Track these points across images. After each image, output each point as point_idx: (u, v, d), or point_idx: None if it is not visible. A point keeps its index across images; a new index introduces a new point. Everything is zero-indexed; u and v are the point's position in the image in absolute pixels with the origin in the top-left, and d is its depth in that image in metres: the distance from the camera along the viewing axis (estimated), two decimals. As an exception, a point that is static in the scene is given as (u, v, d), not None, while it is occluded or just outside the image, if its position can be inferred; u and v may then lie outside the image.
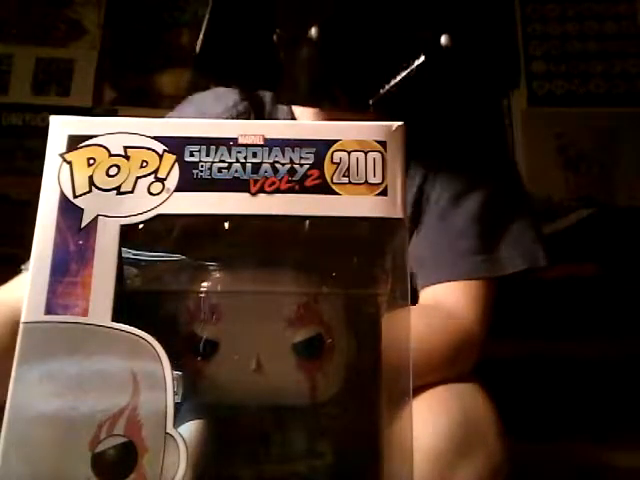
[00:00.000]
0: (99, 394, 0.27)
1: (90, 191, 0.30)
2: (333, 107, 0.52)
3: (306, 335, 0.34)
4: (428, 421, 0.55)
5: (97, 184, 0.30)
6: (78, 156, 0.30)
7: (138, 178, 0.29)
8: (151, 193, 0.29)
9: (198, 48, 0.57)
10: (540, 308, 1.80)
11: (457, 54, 0.46)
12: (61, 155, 0.30)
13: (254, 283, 0.34)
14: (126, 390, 0.27)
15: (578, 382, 1.59)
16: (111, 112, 2.99)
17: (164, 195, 0.29)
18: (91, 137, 0.31)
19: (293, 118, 0.63)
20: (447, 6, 0.46)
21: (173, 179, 0.30)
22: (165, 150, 0.30)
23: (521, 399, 1.30)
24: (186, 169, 0.30)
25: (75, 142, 0.30)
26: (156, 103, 3.02)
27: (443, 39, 0.46)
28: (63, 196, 0.30)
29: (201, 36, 0.55)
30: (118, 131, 0.31)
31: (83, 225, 0.29)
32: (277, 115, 0.67)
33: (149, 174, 0.30)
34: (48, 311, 0.29)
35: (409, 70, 0.46)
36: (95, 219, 0.29)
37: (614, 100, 2.91)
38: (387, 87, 0.47)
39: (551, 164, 2.82)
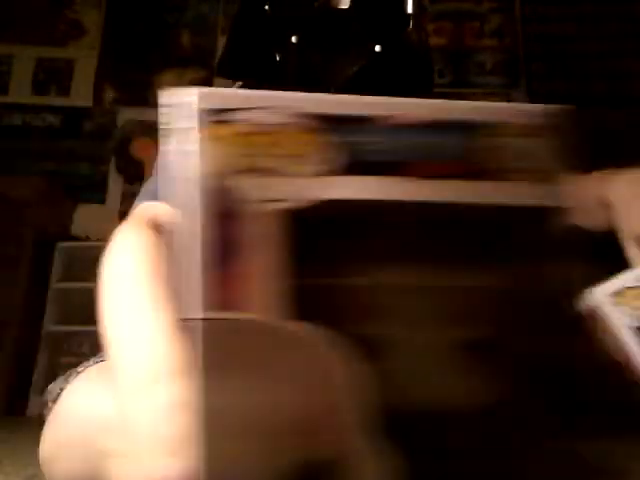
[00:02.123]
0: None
1: (241, 172, 0.25)
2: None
3: (475, 335, 0.30)
4: None
5: (247, 164, 0.25)
6: (219, 133, 0.26)
7: (287, 158, 0.26)
8: (303, 176, 0.26)
9: (220, 56, 0.82)
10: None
11: (387, 59, 0.72)
12: (200, 131, 0.25)
13: (419, 277, 0.29)
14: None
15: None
16: (111, 112, 3.00)
17: (318, 179, 0.26)
18: (230, 111, 0.26)
19: None
20: (383, 27, 0.73)
21: (325, 161, 0.27)
22: (314, 128, 0.27)
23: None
24: (338, 150, 0.27)
25: (214, 117, 0.26)
26: (156, 103, 3.02)
27: (377, 47, 0.71)
28: (204, 177, 0.25)
29: (222, 48, 0.82)
30: (263, 105, 0.27)
31: (234, 210, 0.25)
32: None
33: (298, 155, 0.26)
34: (210, 308, 0.25)
35: (357, 66, 0.71)
36: (248, 203, 0.25)
37: (614, 100, 2.92)
38: (343, 78, 0.71)
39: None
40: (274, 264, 0.26)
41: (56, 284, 2.49)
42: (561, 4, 3.08)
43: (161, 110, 0.27)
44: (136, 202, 0.70)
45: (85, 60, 3.04)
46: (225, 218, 0.24)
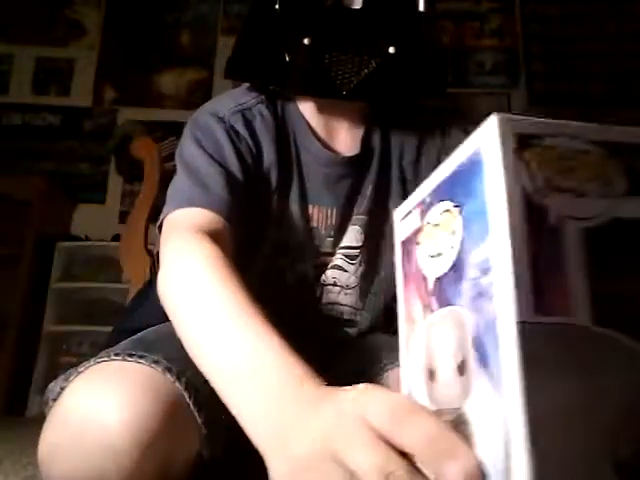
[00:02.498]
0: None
1: (550, 191, 0.30)
2: (328, 96, 0.75)
3: None
4: None
5: (555, 184, 0.30)
6: (533, 156, 0.31)
7: (587, 181, 0.30)
8: (602, 196, 0.30)
9: (229, 57, 0.79)
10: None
11: (401, 60, 0.71)
12: (516, 153, 0.30)
13: None
14: None
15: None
16: (111, 112, 3.00)
17: (614, 199, 0.30)
18: (535, 137, 0.31)
19: (298, 110, 0.81)
20: (399, 27, 0.72)
21: (620, 183, 0.30)
22: (607, 154, 0.30)
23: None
24: (631, 173, 0.30)
25: (523, 141, 0.31)
26: (156, 103, 3.02)
27: (391, 48, 0.70)
28: (527, 196, 0.30)
29: (232, 49, 0.78)
30: (561, 132, 0.31)
31: (549, 225, 0.29)
32: (287, 108, 0.81)
33: (596, 178, 0.30)
34: (537, 311, 0.28)
35: (370, 68, 0.70)
36: (559, 219, 0.30)
37: (614, 100, 2.92)
38: (356, 80, 0.71)
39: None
40: (583, 278, 0.28)
41: (56, 284, 2.49)
42: (561, 4, 3.08)
43: (475, 135, 0.31)
44: (169, 205, 0.67)
45: (85, 60, 3.04)
46: (540, 235, 0.29)
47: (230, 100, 0.77)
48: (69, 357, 2.43)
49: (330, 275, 0.81)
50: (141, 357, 0.58)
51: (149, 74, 3.04)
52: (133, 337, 0.69)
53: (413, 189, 0.93)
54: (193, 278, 0.54)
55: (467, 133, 0.93)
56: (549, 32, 3.07)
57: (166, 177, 1.87)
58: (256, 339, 0.44)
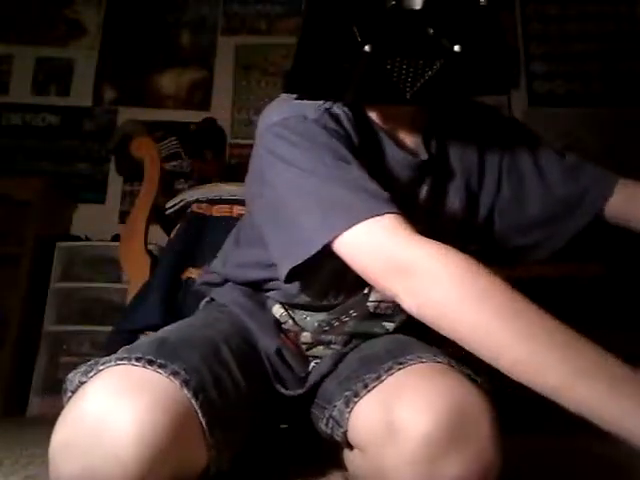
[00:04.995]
0: None
1: None
2: (392, 102, 0.74)
3: None
4: (422, 408, 0.55)
5: None
6: None
7: None
8: None
9: (288, 72, 0.76)
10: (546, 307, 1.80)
11: (466, 58, 0.67)
12: None
13: None
14: None
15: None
16: (111, 112, 3.00)
17: None
18: None
19: (367, 117, 0.80)
20: (461, 23, 0.68)
21: None
22: None
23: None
24: None
25: None
26: (156, 103, 3.02)
27: (456, 47, 0.66)
28: None
29: (292, 62, 0.74)
30: None
31: None
32: (357, 111, 0.79)
33: None
34: None
35: (434, 69, 0.68)
36: None
37: (614, 100, 2.92)
38: (419, 83, 0.68)
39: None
40: None
41: (56, 284, 2.49)
42: (561, 4, 3.08)
43: None
44: (336, 220, 0.63)
45: (85, 60, 3.04)
46: None
47: (305, 102, 0.75)
48: (69, 357, 2.43)
49: None
50: (160, 366, 0.58)
51: (149, 74, 3.03)
52: (157, 335, 0.69)
53: (476, 191, 0.91)
54: (495, 294, 0.55)
55: (527, 139, 0.91)
56: (549, 32, 3.07)
57: (166, 177, 1.87)
58: (596, 351, 0.50)
